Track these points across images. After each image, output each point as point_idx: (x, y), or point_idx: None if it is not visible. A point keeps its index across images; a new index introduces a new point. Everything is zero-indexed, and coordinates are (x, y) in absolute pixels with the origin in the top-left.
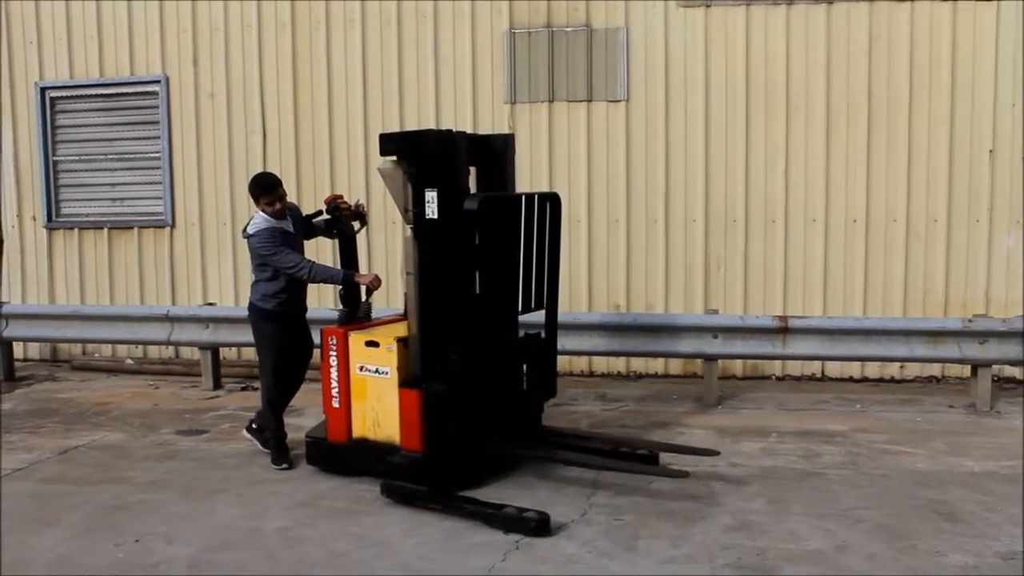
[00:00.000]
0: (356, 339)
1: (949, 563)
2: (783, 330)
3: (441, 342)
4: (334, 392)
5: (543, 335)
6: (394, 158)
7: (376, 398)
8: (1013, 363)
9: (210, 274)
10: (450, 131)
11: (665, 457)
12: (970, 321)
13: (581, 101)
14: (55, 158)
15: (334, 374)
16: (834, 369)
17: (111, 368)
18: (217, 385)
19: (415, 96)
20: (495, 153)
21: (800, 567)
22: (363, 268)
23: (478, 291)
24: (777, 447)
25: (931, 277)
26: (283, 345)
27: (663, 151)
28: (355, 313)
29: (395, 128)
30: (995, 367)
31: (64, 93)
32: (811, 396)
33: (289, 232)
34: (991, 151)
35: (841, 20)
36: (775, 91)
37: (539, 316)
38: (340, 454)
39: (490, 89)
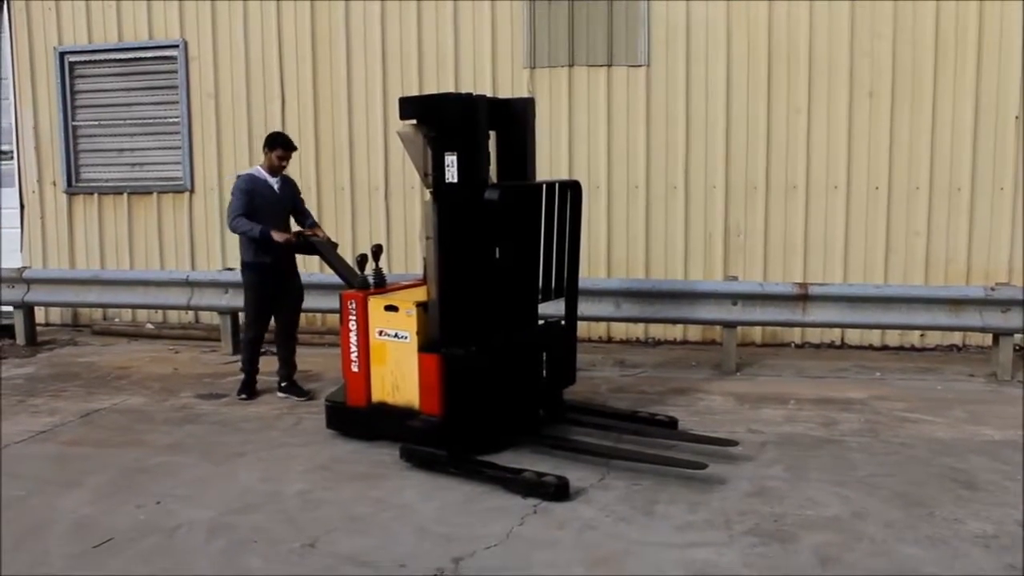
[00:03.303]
0: (375, 303)
1: (968, 531)
2: (803, 297)
3: (461, 306)
4: (353, 356)
5: (563, 323)
6: (413, 122)
7: (395, 362)
8: None
9: (229, 239)
10: (470, 94)
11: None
12: (992, 290)
13: (601, 66)
14: (74, 123)
15: (353, 339)
16: (854, 337)
17: (131, 333)
18: (236, 350)
19: (434, 60)
20: (516, 117)
21: (817, 534)
22: (381, 233)
23: (497, 269)
24: (796, 414)
25: (953, 245)
26: (261, 291)
27: (683, 116)
28: (365, 278)
29: (414, 93)
30: (1017, 336)
31: (83, 58)
32: (830, 364)
33: (272, 188)
34: (1017, 118)
35: None
36: (797, 56)
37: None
38: (359, 418)
39: (509, 53)
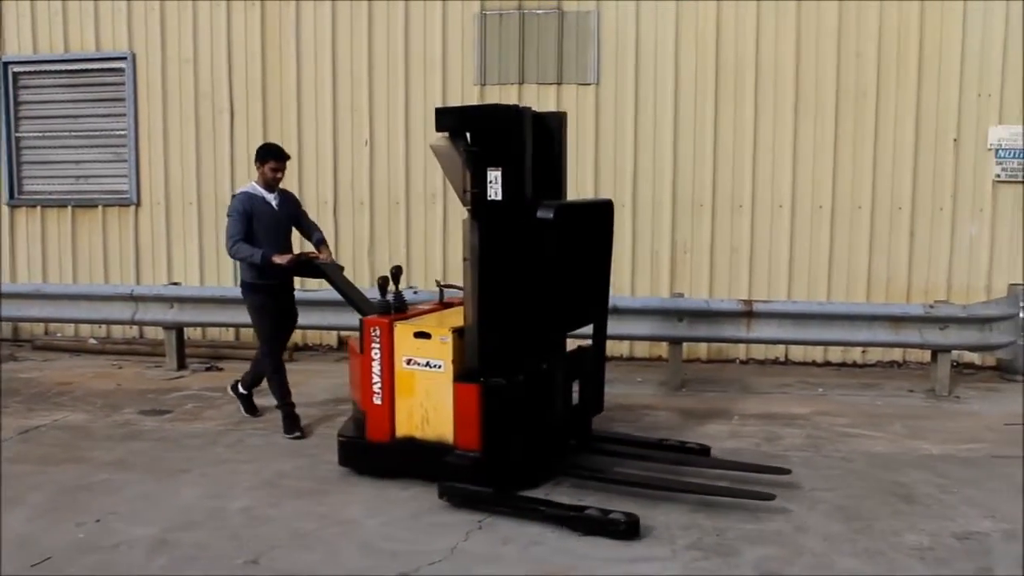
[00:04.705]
0: (402, 330)
1: (905, 543)
2: (748, 314)
3: (502, 333)
4: (376, 388)
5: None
6: (446, 135)
7: (426, 394)
8: (972, 349)
9: (175, 253)
10: (516, 106)
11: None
12: (931, 307)
13: (551, 84)
14: (18, 134)
15: (376, 368)
16: (797, 353)
17: (74, 348)
18: (181, 365)
19: (384, 76)
20: (549, 132)
21: (759, 547)
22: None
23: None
24: (740, 429)
25: (894, 264)
26: (270, 312)
27: (632, 135)
28: (387, 302)
29: (364, 107)
30: (954, 353)
31: (28, 68)
32: (775, 380)
33: (270, 205)
34: (955, 140)
35: (811, 10)
36: (744, 78)
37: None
38: (381, 455)
39: (460, 70)
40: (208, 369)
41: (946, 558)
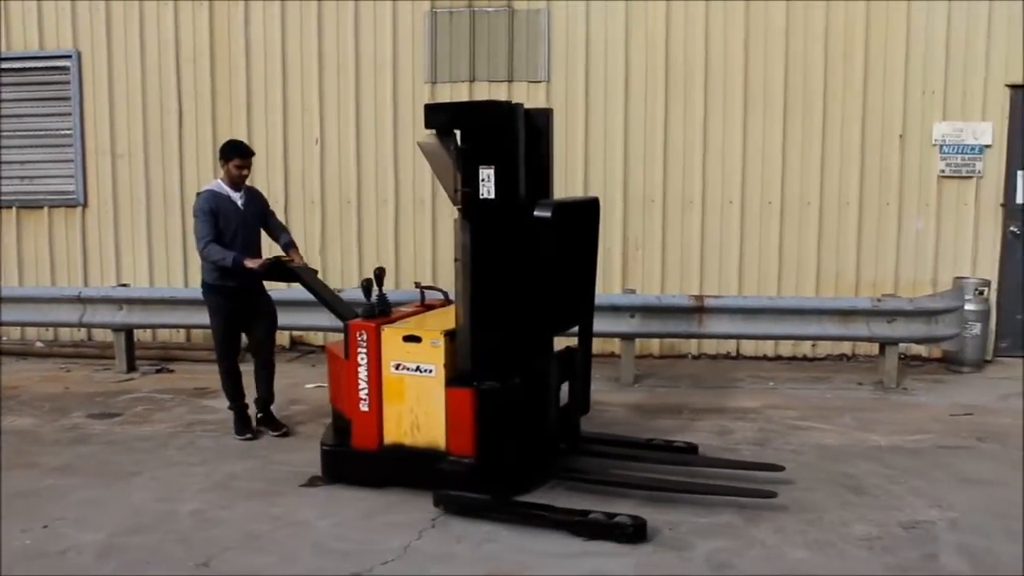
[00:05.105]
0: (391, 334)
1: (853, 534)
2: (699, 309)
3: (496, 336)
4: (362, 394)
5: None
6: (433, 132)
7: (416, 399)
8: (919, 341)
9: (124, 255)
10: (509, 102)
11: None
12: (879, 301)
13: (502, 81)
14: None
15: (363, 373)
16: (749, 348)
17: (20, 351)
18: (131, 368)
19: (335, 74)
20: (536, 129)
21: (711, 540)
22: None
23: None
24: (691, 424)
25: (843, 258)
26: (227, 315)
27: (583, 132)
28: (372, 306)
29: (314, 107)
30: (902, 345)
31: None
32: (726, 375)
33: (235, 204)
34: (901, 136)
35: (760, 10)
36: (694, 77)
37: None
38: (369, 464)
39: (411, 68)
40: (159, 371)
41: (893, 547)
